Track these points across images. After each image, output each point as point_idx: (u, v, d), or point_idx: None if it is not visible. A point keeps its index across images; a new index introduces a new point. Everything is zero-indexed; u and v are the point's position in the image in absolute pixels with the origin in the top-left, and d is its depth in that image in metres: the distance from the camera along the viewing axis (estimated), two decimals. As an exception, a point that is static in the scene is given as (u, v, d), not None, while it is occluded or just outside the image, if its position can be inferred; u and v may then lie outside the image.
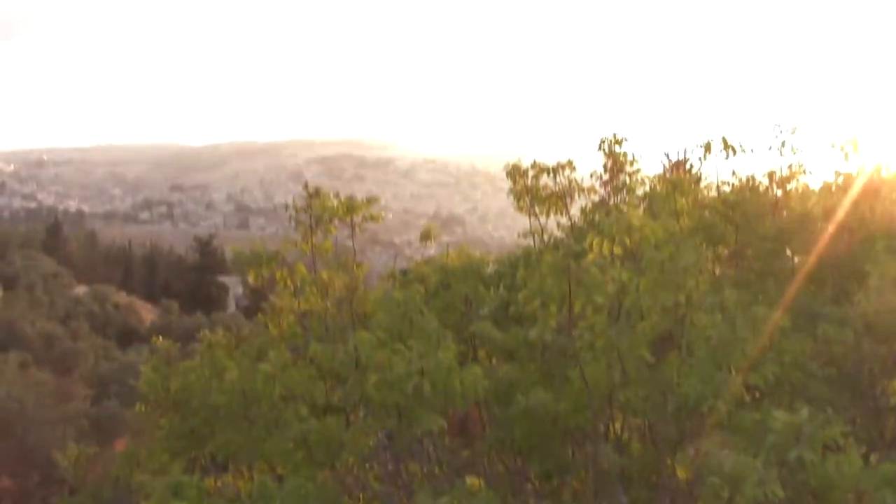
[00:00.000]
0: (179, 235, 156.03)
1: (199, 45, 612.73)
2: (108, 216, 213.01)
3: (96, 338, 37.23)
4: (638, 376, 4.07)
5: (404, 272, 6.11)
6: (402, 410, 3.83)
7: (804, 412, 3.22)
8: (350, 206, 5.79)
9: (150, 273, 74.72)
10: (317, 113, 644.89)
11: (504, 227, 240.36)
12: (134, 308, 49.45)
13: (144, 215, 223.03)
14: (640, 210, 5.25)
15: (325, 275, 5.47)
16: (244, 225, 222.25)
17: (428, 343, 3.92)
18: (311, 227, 5.69)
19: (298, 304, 5.86)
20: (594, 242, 4.33)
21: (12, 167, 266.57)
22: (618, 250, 4.30)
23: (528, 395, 4.25)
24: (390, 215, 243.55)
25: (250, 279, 5.61)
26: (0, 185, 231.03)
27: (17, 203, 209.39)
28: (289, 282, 5.79)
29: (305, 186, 5.65)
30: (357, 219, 5.93)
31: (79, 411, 22.32)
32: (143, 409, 6.18)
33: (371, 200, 6.13)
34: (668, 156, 6.99)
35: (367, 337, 3.98)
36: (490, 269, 6.00)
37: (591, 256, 4.17)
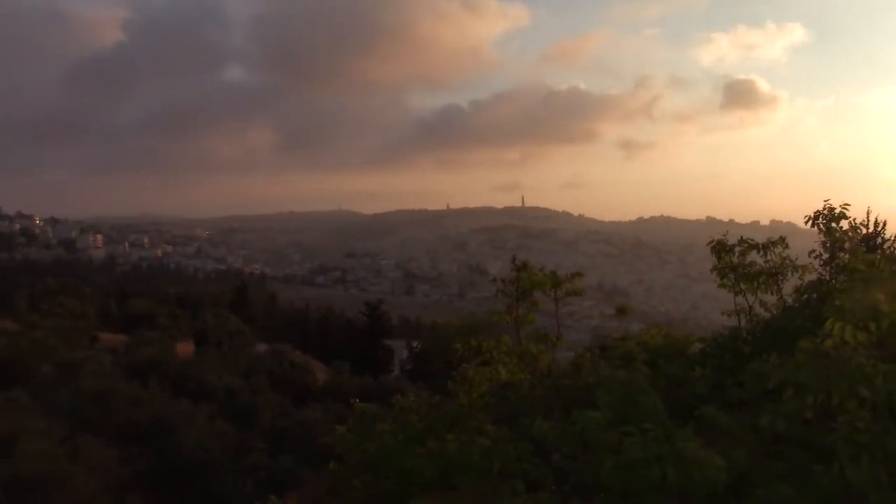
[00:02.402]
0: (350, 299, 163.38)
1: (386, 121, 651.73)
2: (288, 279, 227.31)
3: (274, 394, 39.06)
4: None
5: (602, 348, 5.93)
6: (633, 496, 3.63)
7: None
8: (555, 280, 5.71)
9: (323, 334, 78.22)
10: (481, 184, 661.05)
11: (670, 300, 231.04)
12: (308, 367, 51.69)
13: (320, 279, 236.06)
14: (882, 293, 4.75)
15: (533, 348, 5.39)
16: (410, 291, 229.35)
17: (660, 427, 3.72)
18: (516, 299, 5.66)
19: (500, 374, 5.83)
20: (836, 327, 3.96)
21: (208, 233, 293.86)
22: (862, 336, 3.90)
23: (769, 488, 3.89)
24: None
25: (458, 348, 5.63)
26: (197, 249, 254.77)
27: (209, 265, 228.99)
28: (494, 353, 5.76)
29: (513, 260, 5.66)
30: (560, 293, 5.83)
31: (257, 464, 23.44)
32: (336, 467, 6.35)
33: (576, 275, 6.02)
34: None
35: (596, 417, 3.83)
36: (695, 348, 5.68)
37: (829, 342, 3.81)
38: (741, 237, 6.64)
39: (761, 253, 6.48)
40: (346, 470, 6.17)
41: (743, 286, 6.42)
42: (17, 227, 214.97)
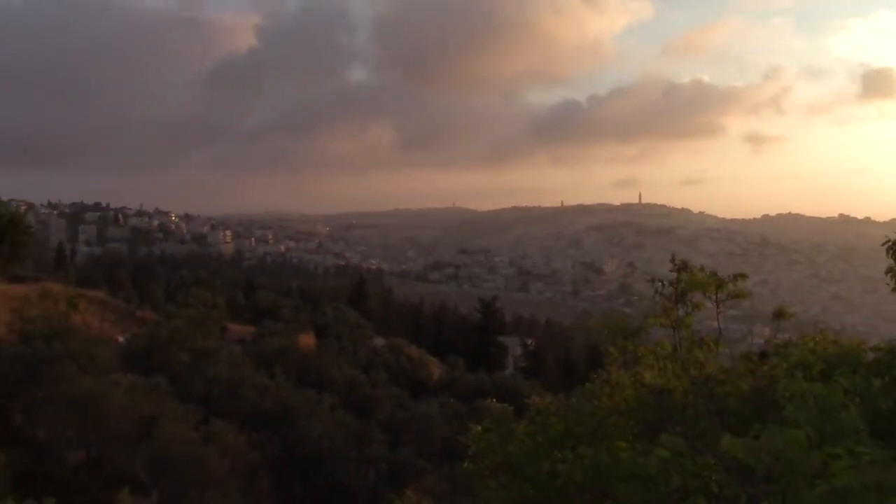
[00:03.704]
0: (464, 296, 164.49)
1: (484, 120, 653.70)
2: (403, 275, 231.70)
3: (391, 387, 39.78)
4: None
5: (763, 354, 5.52)
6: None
7: None
8: (718, 283, 5.34)
9: (437, 330, 79.14)
10: (597, 181, 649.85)
11: (799, 302, 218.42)
12: (424, 362, 52.41)
13: (434, 275, 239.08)
14: None
15: (699, 354, 5.05)
16: (524, 288, 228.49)
17: (867, 448, 3.34)
18: (675, 301, 5.34)
19: (644, 378, 5.53)
20: None
21: (328, 229, 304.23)
22: None
23: None
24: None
25: (611, 350, 5.39)
26: (317, 244, 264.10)
27: (329, 261, 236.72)
28: (650, 357, 5.47)
29: (672, 260, 5.34)
30: (721, 295, 5.45)
31: (377, 455, 23.90)
32: (470, 466, 6.26)
33: (740, 276, 5.60)
34: None
35: (797, 436, 3.48)
36: (869, 357, 5.16)
37: None
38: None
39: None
40: (481, 470, 6.07)
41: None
42: (156, 223, 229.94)
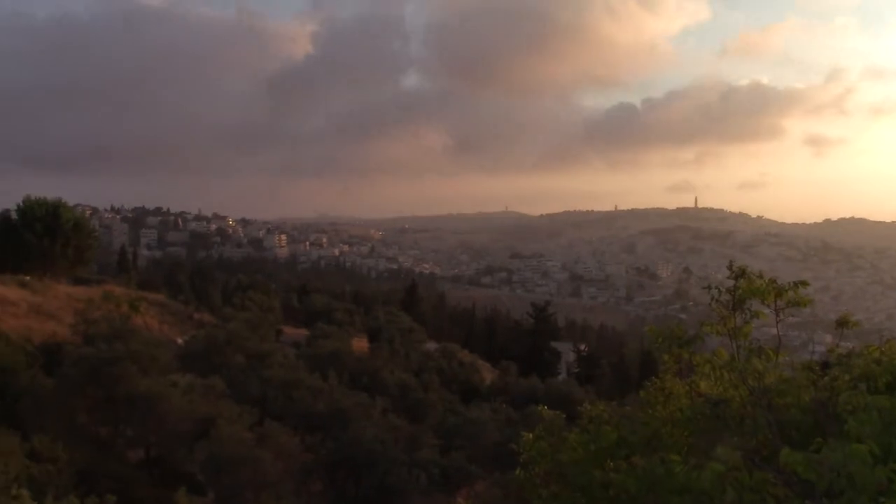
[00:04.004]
0: (516, 300, 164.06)
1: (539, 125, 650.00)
2: (455, 279, 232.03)
3: (443, 391, 39.78)
4: None
5: (824, 364, 5.31)
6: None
7: None
8: (778, 290, 5.16)
9: (489, 334, 78.96)
10: (652, 185, 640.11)
11: (863, 309, 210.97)
12: (476, 366, 52.28)
13: (486, 280, 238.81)
14: None
15: (759, 364, 4.88)
16: (576, 293, 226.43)
17: None
18: (732, 308, 5.19)
19: (699, 387, 5.39)
20: None
21: (381, 234, 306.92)
22: None
23: None
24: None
25: (666, 358, 5.27)
26: (370, 248, 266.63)
27: (382, 265, 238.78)
28: (707, 366, 5.31)
29: (730, 266, 5.19)
30: (780, 303, 5.26)
31: (429, 459, 23.89)
32: (522, 474, 6.20)
33: (801, 284, 5.39)
34: None
35: (860, 450, 3.33)
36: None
37: None
38: None
39: None
40: (533, 477, 6.00)
41: None
42: (214, 227, 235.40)
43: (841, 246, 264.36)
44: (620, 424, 5.66)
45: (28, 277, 39.82)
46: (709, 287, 5.28)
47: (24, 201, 45.11)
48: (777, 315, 5.14)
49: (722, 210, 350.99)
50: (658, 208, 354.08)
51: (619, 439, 5.44)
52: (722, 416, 4.83)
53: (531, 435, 6.11)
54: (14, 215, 45.66)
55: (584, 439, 5.24)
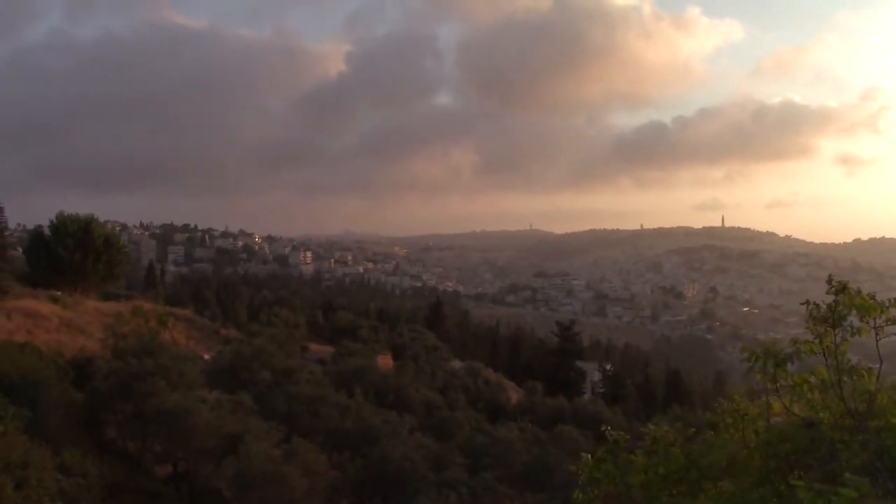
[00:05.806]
0: (540, 319, 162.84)
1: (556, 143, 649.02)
2: (479, 297, 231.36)
3: (469, 410, 39.37)
4: None
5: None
6: None
7: None
8: (881, 307, 4.82)
9: (513, 353, 78.42)
10: (679, 203, 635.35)
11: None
12: (501, 385, 51.81)
13: (510, 298, 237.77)
14: None
15: (868, 384, 4.50)
16: (601, 312, 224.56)
17: None
18: (832, 325, 4.85)
19: (774, 408, 5.04)
20: None
21: (405, 251, 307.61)
22: None
23: None
24: (756, 311, 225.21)
25: (760, 378, 4.93)
26: (394, 266, 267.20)
27: (406, 282, 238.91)
28: (805, 386, 4.96)
29: (829, 281, 4.87)
30: (880, 320, 4.89)
31: (457, 478, 23.49)
32: (581, 497, 5.88)
33: None
34: None
35: None
36: None
37: None
38: None
39: None
40: (593, 500, 5.68)
41: None
42: (240, 244, 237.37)
43: (871, 266, 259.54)
44: (690, 448, 5.34)
45: (59, 293, 40.18)
46: (806, 303, 4.95)
47: (56, 217, 45.67)
48: (878, 334, 4.79)
49: (749, 229, 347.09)
50: (685, 227, 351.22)
51: (688, 463, 5.12)
52: (814, 438, 4.49)
53: (592, 456, 5.81)
54: (47, 231, 46.22)
55: (653, 462, 4.94)
